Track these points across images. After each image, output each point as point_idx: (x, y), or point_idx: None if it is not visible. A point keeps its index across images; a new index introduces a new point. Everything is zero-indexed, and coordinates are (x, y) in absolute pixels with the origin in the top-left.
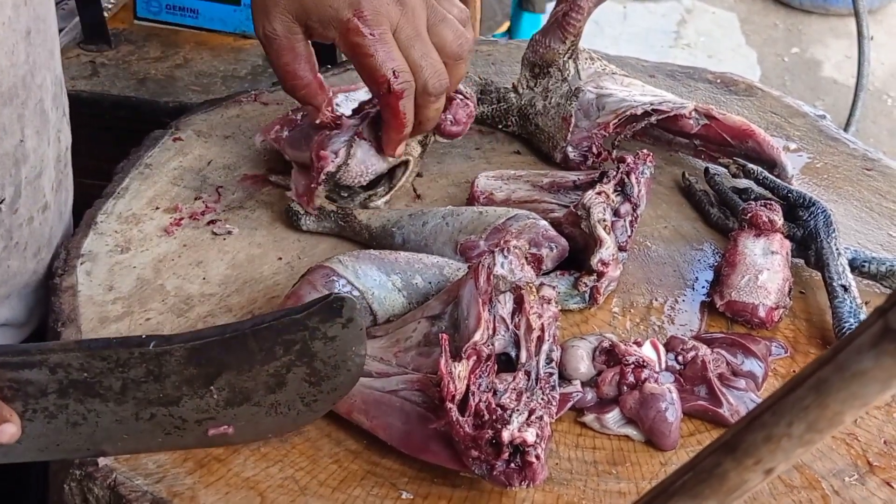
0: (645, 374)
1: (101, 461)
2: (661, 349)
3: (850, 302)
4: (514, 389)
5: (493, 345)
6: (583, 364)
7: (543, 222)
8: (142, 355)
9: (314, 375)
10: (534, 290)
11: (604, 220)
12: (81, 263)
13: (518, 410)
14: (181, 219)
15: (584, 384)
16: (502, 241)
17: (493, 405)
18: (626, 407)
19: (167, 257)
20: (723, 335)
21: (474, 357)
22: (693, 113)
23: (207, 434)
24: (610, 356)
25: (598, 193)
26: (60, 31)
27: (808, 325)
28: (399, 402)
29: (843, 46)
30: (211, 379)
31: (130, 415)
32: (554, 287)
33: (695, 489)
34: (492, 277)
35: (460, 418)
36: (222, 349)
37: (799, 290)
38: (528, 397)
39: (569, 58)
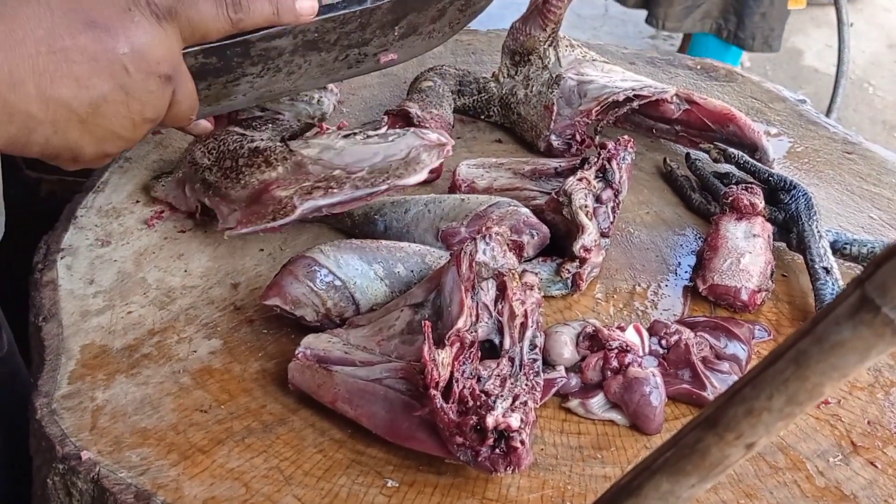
0: (629, 358)
1: (84, 454)
2: (645, 333)
3: (833, 284)
4: (498, 376)
5: (476, 332)
6: (566, 349)
7: (524, 209)
8: (360, 13)
9: (466, 3)
10: (516, 276)
11: (585, 207)
12: (62, 258)
13: (502, 396)
14: (162, 212)
15: (568, 370)
16: (484, 228)
17: (477, 391)
18: (610, 391)
19: (148, 250)
20: (706, 319)
21: (457, 344)
22: (674, 98)
23: (379, 62)
24: (593, 341)
25: (580, 180)
26: None
27: (791, 307)
28: (383, 391)
29: (824, 35)
30: (398, 21)
31: (332, 59)
32: (536, 273)
33: (677, 465)
34: (474, 264)
35: (444, 405)
36: None
37: (781, 273)
38: (512, 383)
39: (549, 45)
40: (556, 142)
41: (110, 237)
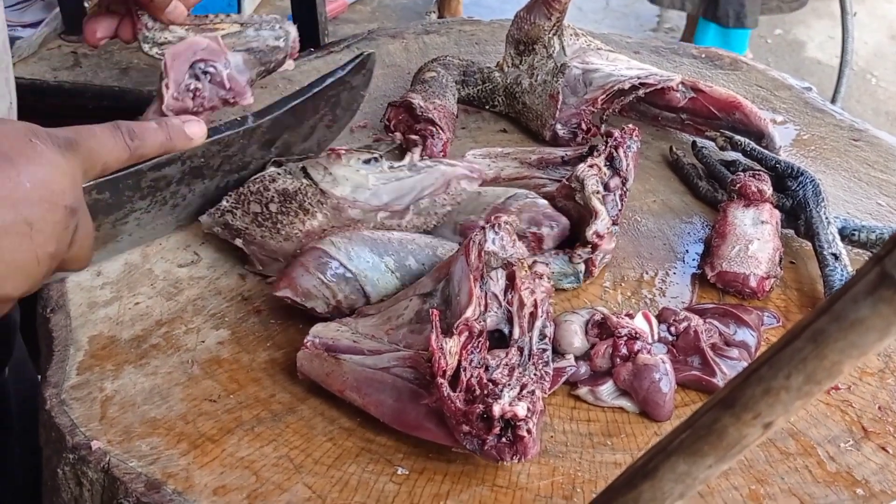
0: (638, 345)
1: (94, 444)
2: (653, 321)
3: (841, 270)
4: (507, 365)
5: (484, 321)
6: (576, 338)
7: (543, 201)
8: (243, 133)
9: (334, 120)
10: (525, 266)
11: (598, 192)
12: None
13: (509, 385)
14: None
15: (577, 358)
16: (492, 217)
17: (485, 380)
18: (619, 379)
19: (155, 241)
20: (715, 306)
21: (466, 333)
22: (680, 86)
23: None
24: (602, 329)
25: (591, 166)
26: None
27: (800, 294)
28: (391, 379)
29: (826, 27)
30: (274, 141)
31: (213, 187)
32: (548, 265)
33: (693, 446)
34: (483, 254)
35: (451, 393)
36: (290, 115)
37: (789, 260)
38: (520, 373)
39: (554, 34)
40: (561, 131)
41: None
